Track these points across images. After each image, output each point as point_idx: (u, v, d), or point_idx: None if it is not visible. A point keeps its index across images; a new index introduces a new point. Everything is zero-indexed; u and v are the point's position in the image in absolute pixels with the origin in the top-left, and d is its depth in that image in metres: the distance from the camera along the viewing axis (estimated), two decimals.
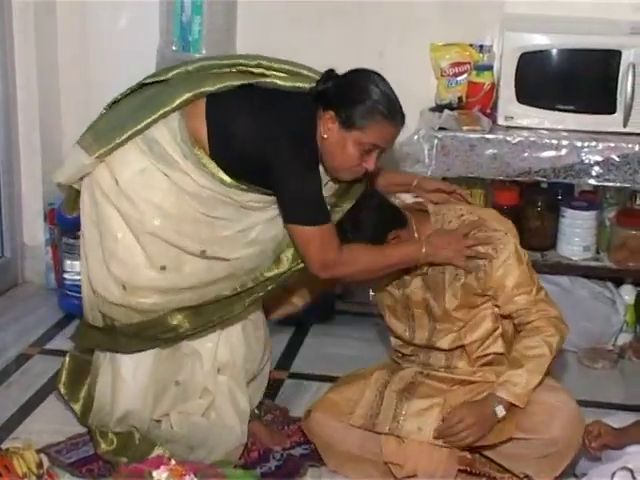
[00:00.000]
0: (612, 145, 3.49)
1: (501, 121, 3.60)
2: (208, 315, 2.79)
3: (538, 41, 3.55)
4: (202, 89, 2.68)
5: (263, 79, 2.71)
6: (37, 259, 4.28)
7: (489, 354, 2.87)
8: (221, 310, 2.79)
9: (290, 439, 3.09)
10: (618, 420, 2.90)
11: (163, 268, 2.72)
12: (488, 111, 3.70)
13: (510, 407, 2.71)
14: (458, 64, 3.87)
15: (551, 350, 2.74)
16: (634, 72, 3.47)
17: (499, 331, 2.86)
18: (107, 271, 2.76)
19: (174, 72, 2.80)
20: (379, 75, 2.68)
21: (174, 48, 3.94)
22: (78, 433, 3.10)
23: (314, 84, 2.69)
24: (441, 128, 3.57)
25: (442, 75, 3.89)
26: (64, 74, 4.27)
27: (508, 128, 3.59)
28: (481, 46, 3.90)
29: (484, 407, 2.71)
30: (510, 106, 3.59)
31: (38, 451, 2.80)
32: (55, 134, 4.29)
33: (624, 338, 3.86)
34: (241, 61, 2.77)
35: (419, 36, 3.95)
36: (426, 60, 3.94)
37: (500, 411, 2.70)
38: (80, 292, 3.89)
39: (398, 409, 2.80)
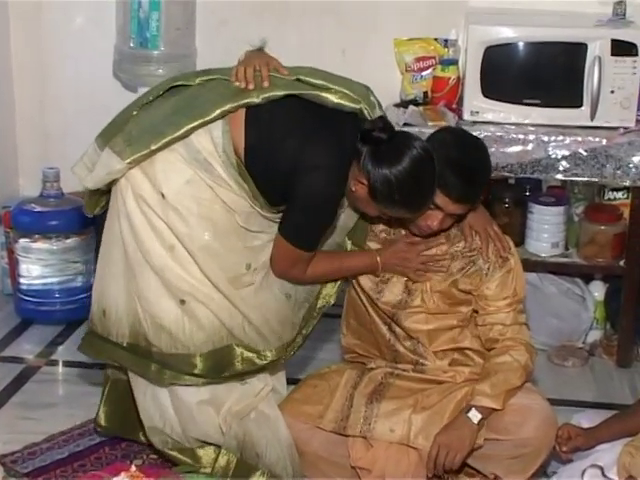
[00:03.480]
0: (579, 139, 3.48)
1: (467, 116, 3.57)
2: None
3: (503, 34, 3.52)
4: (246, 100, 2.60)
5: (306, 90, 2.64)
6: None
7: (453, 349, 2.88)
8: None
9: None
10: (588, 418, 2.91)
11: (216, 287, 2.68)
12: (454, 106, 3.69)
13: (489, 411, 2.72)
14: (423, 59, 3.87)
15: (520, 364, 2.77)
16: (600, 65, 3.45)
17: (465, 328, 2.88)
18: (161, 285, 2.66)
19: (206, 78, 2.70)
20: (423, 154, 2.60)
21: (132, 45, 3.92)
22: (34, 442, 3.07)
23: (355, 105, 2.63)
24: (406, 124, 3.52)
25: (407, 70, 3.88)
26: (19, 76, 4.23)
27: (474, 123, 3.56)
28: (446, 40, 3.90)
29: (454, 421, 2.72)
30: (476, 101, 3.56)
31: None
32: (9, 138, 4.25)
33: (594, 335, 3.87)
34: (279, 76, 2.68)
35: (382, 31, 3.95)
36: (390, 55, 3.93)
37: (474, 416, 2.70)
38: (38, 297, 3.89)
39: (368, 411, 2.80)
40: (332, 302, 2.93)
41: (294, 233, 2.68)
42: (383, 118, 2.68)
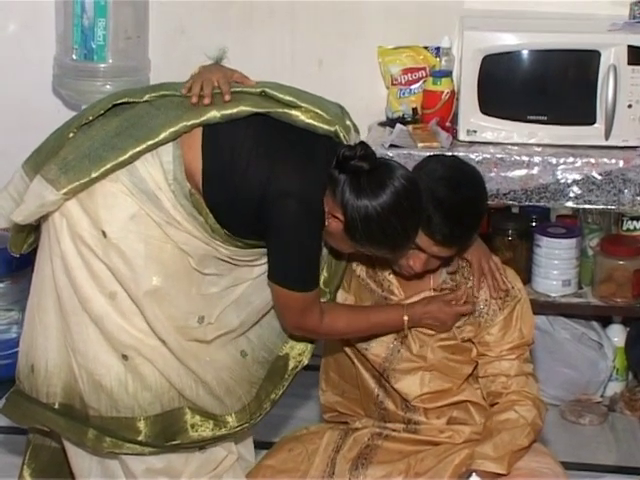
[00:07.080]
0: (592, 161, 3.48)
1: (463, 136, 3.58)
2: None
3: (504, 41, 3.54)
4: (203, 117, 2.54)
5: (274, 108, 2.60)
6: None
7: (451, 404, 2.84)
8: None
9: None
10: None
11: (163, 341, 2.62)
12: (448, 124, 3.69)
13: (492, 477, 2.67)
14: (411, 70, 3.89)
15: (527, 421, 2.73)
16: (615, 75, 3.46)
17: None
18: (101, 337, 2.61)
19: (155, 94, 2.64)
20: (408, 187, 2.56)
21: (74, 57, 3.91)
22: None
23: (329, 127, 2.61)
24: (393, 146, 3.53)
25: (393, 84, 3.88)
26: None
27: (471, 144, 3.57)
28: (438, 49, 3.90)
29: None
30: (473, 118, 3.57)
31: None
32: None
33: (614, 388, 3.87)
34: (242, 89, 2.64)
35: (365, 39, 3.98)
36: (374, 67, 3.96)
37: None
38: None
39: (353, 478, 2.76)
40: (306, 362, 2.86)
41: (284, 275, 2.61)
42: (364, 144, 2.62)
